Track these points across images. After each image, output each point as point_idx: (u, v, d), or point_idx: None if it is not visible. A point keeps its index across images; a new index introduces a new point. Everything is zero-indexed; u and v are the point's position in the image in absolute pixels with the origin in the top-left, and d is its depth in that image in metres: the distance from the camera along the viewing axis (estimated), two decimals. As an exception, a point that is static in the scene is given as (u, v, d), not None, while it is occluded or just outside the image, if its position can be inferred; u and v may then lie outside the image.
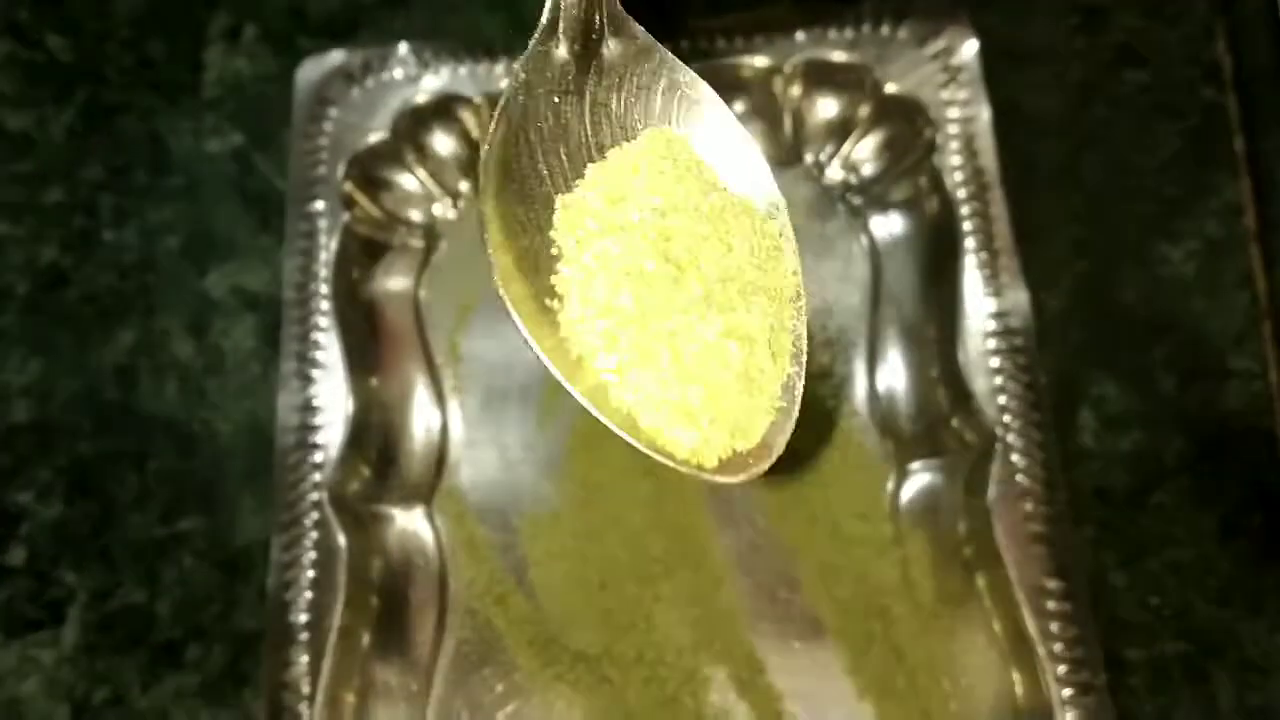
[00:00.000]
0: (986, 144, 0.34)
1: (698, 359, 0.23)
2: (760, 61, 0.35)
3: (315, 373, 0.33)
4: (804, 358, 0.25)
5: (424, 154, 0.36)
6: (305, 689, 0.30)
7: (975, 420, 0.32)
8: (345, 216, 0.35)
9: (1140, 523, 0.32)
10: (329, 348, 0.33)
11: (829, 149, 0.36)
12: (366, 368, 0.34)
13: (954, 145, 0.34)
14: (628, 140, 0.25)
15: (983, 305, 0.32)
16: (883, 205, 0.35)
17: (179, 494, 0.34)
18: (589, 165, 0.25)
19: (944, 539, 0.32)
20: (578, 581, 0.32)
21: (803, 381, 0.24)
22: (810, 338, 0.25)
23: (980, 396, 0.32)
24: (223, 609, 0.33)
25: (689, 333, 0.23)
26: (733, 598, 0.32)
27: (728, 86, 0.34)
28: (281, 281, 0.34)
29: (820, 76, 0.35)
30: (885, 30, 0.35)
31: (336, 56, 0.36)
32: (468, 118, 0.36)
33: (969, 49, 0.35)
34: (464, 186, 0.37)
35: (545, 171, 0.25)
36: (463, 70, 0.36)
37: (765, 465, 0.23)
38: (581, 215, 0.24)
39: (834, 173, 0.36)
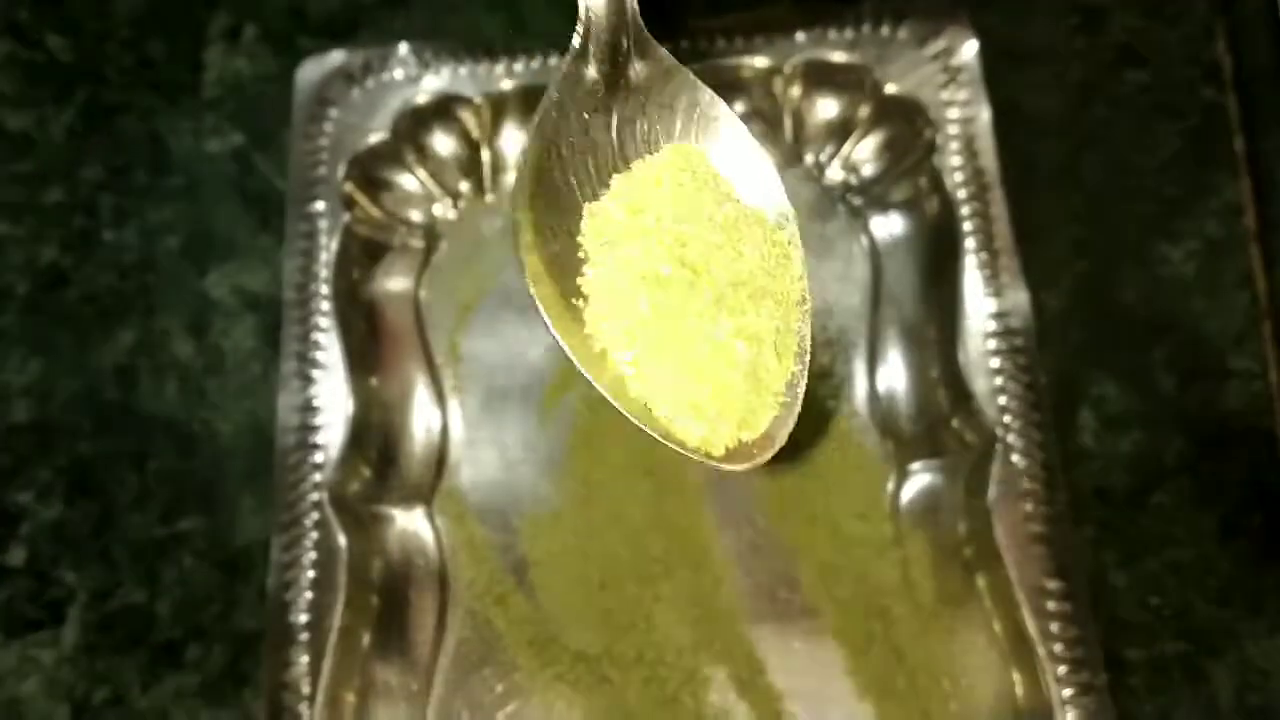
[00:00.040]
0: (986, 144, 0.34)
1: (709, 357, 0.25)
2: (760, 62, 0.35)
3: (315, 373, 0.33)
4: (807, 357, 0.26)
5: (424, 154, 0.36)
6: (305, 689, 0.30)
7: (975, 420, 0.32)
8: (345, 217, 0.35)
9: (1140, 523, 0.32)
10: (329, 348, 0.33)
11: (829, 149, 0.36)
12: (367, 368, 0.34)
13: (954, 145, 0.34)
14: (651, 154, 0.27)
15: (983, 305, 0.33)
16: (883, 206, 0.35)
17: (179, 494, 0.34)
18: (615, 176, 0.27)
19: (944, 539, 0.32)
20: (578, 581, 0.32)
21: (805, 379, 0.26)
22: (811, 338, 0.27)
23: (980, 397, 0.32)
24: (223, 609, 0.33)
25: (701, 332, 0.25)
26: (733, 597, 0.32)
27: (728, 87, 0.34)
28: (281, 281, 0.34)
29: (820, 77, 0.35)
30: (885, 30, 0.35)
31: (336, 57, 0.36)
32: (468, 118, 0.36)
33: (969, 49, 0.35)
34: (464, 187, 0.37)
35: (574, 182, 0.27)
36: (463, 70, 0.36)
37: (768, 455, 0.25)
38: (607, 222, 0.26)
39: (834, 173, 0.36)
